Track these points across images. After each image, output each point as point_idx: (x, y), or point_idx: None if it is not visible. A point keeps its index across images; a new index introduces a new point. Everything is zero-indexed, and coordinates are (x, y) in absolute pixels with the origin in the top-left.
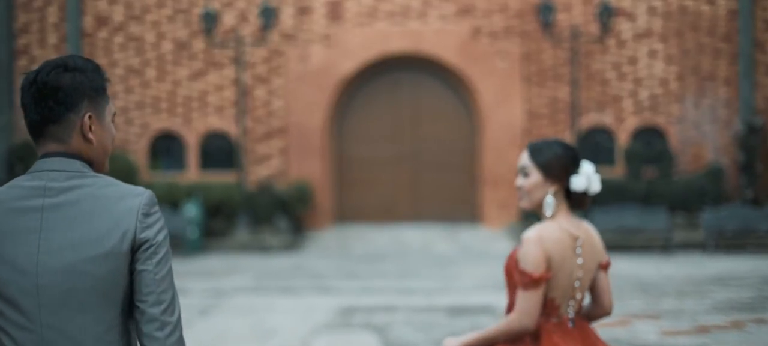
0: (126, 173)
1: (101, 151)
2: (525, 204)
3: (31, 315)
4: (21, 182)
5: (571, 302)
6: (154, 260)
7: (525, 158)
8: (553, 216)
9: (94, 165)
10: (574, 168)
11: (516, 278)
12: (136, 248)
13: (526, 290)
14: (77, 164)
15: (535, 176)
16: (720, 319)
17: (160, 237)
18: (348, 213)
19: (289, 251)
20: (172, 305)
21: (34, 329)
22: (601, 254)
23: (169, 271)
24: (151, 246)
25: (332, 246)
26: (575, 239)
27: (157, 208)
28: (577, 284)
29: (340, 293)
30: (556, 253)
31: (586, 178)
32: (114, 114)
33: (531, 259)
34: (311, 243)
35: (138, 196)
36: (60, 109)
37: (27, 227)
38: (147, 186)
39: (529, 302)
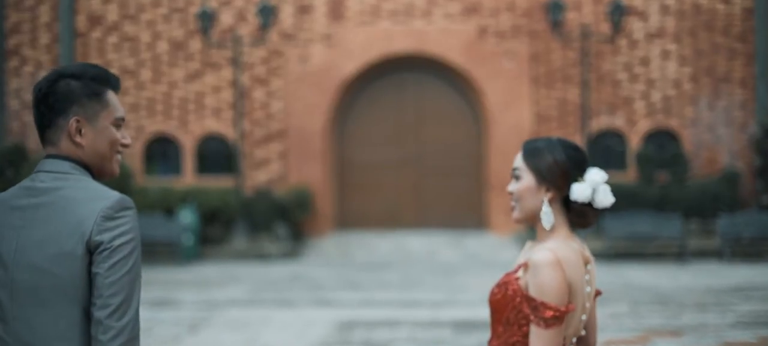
0: (120, 178)
1: (93, 154)
2: (516, 215)
3: (5, 306)
4: (22, 182)
5: (574, 340)
6: (107, 264)
7: (518, 159)
8: (552, 230)
9: (91, 168)
10: (577, 173)
11: (526, 312)
12: (92, 251)
13: (549, 328)
14: (65, 166)
15: (528, 180)
16: (746, 335)
17: (118, 242)
18: (349, 219)
19: (288, 259)
20: (121, 309)
21: (7, 320)
22: (595, 281)
23: (125, 275)
24: (105, 250)
25: (333, 254)
26: (587, 262)
27: (124, 212)
28: (584, 317)
29: (339, 306)
30: (575, 280)
31: (591, 187)
32: (117, 118)
33: (554, 288)
34: (311, 251)
35: (104, 199)
36: (50, 114)
37: (12, 225)
38: (141, 191)
39: (552, 342)
